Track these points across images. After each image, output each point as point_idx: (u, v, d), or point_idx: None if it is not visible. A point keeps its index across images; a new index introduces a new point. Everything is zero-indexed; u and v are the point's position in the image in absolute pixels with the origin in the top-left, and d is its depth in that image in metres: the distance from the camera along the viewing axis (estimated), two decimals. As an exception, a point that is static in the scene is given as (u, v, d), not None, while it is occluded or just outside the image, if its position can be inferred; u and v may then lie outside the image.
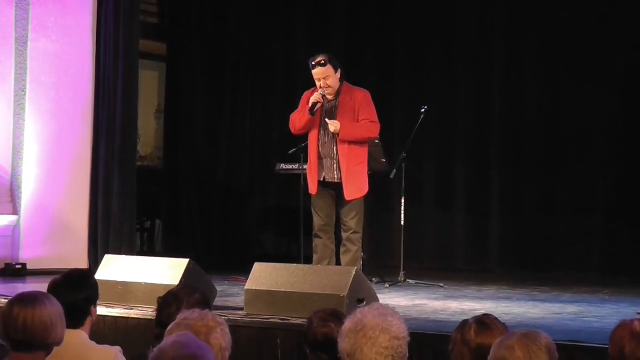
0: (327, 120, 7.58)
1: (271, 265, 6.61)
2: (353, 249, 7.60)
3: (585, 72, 9.80)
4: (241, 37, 11.44)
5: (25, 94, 9.38)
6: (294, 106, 7.84)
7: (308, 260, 8.06)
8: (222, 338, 3.04)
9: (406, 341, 3.11)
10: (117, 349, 4.04)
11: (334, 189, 7.68)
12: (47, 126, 9.48)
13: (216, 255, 10.84)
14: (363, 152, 7.72)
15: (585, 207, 9.80)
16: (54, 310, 3.53)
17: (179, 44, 11.59)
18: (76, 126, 9.63)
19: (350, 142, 7.57)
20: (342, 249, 7.65)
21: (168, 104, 11.73)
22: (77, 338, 4.00)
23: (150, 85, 11.96)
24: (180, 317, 3.13)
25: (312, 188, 7.73)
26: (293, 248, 10.59)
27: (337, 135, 7.54)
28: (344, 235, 7.65)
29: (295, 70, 10.82)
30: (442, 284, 8.56)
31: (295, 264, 6.97)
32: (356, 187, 7.61)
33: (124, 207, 9.65)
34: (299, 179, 8.17)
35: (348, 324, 3.12)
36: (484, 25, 10.37)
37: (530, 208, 10.06)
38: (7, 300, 3.68)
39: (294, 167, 9.03)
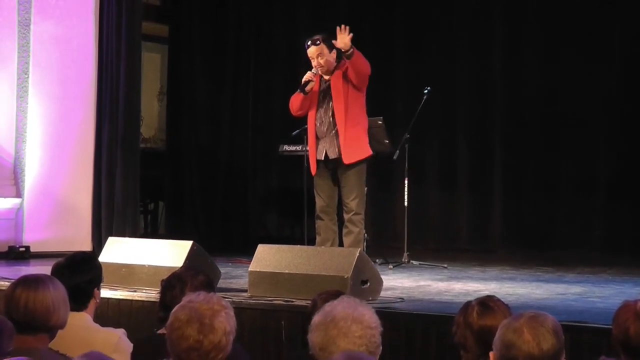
0: (335, 44, 7.38)
1: (275, 247, 6.61)
2: (355, 231, 7.56)
3: (585, 50, 9.78)
4: (243, 17, 11.43)
5: (28, 77, 9.38)
6: (296, 87, 7.82)
7: (311, 242, 8.05)
8: (227, 321, 3.04)
9: (379, 331, 3.01)
10: (121, 331, 4.05)
11: (332, 168, 7.61)
12: (50, 109, 9.47)
13: (219, 237, 10.85)
14: (358, 116, 7.60)
15: (587, 186, 9.80)
16: (57, 293, 3.53)
17: (181, 25, 11.58)
18: (79, 108, 9.63)
19: (346, 109, 7.48)
20: (344, 231, 7.62)
21: (170, 86, 11.74)
22: (81, 320, 4.01)
23: (152, 67, 11.95)
24: (185, 299, 3.12)
25: (313, 169, 7.71)
26: (296, 229, 10.60)
27: (348, 51, 7.33)
28: (345, 216, 7.61)
29: (296, 51, 10.78)
30: (445, 265, 8.57)
31: (298, 246, 6.96)
32: (354, 149, 7.49)
33: (127, 190, 9.65)
34: (302, 161, 8.16)
35: (317, 317, 3.03)
36: (483, 5, 10.34)
37: (533, 188, 10.05)
38: (10, 283, 3.69)
39: (297, 148, 9.03)
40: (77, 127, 9.60)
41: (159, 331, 3.96)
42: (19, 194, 9.37)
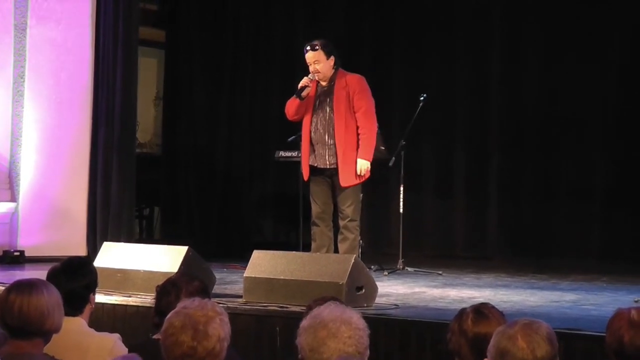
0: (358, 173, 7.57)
1: (270, 253, 6.61)
2: (350, 237, 7.60)
3: (584, 57, 9.80)
4: (240, 23, 11.43)
5: (24, 81, 9.37)
6: (293, 92, 7.83)
7: (307, 248, 8.06)
8: (221, 328, 3.04)
9: (367, 333, 3.07)
10: (116, 336, 4.05)
11: (329, 176, 7.67)
12: (45, 113, 9.47)
13: (215, 242, 10.85)
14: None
15: (584, 193, 9.81)
16: (51, 298, 3.53)
17: (178, 30, 11.58)
18: (75, 113, 9.62)
19: (348, 125, 7.53)
20: (339, 237, 7.66)
21: (167, 91, 11.74)
22: (76, 325, 4.01)
23: (149, 72, 11.94)
24: (179, 305, 3.13)
25: (305, 174, 7.73)
26: (292, 235, 10.58)
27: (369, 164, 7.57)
28: (341, 223, 7.66)
29: (294, 56, 10.81)
30: (440, 272, 8.57)
31: (294, 252, 6.98)
32: (352, 172, 7.58)
33: (123, 194, 9.64)
34: (298, 167, 8.18)
35: (305, 321, 3.08)
36: (482, 9, 10.35)
37: (529, 194, 10.06)
38: (4, 287, 3.69)
39: (293, 154, 9.02)
40: (73, 131, 9.60)
41: (154, 336, 3.96)
42: (14, 198, 9.36)
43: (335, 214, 7.78)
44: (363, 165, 7.54)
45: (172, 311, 3.09)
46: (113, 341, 3.98)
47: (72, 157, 9.58)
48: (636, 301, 6.54)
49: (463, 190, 10.42)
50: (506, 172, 10.18)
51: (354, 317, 3.07)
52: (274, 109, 11.04)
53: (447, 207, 10.48)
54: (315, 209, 7.72)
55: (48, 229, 9.40)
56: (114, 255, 7.03)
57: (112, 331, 4.25)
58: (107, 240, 8.13)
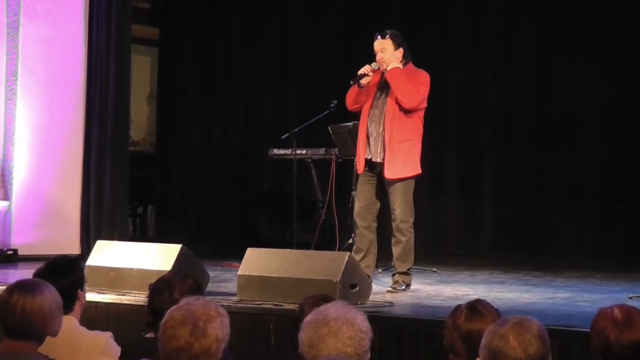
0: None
1: (264, 251, 6.60)
2: (403, 240, 7.19)
3: (578, 53, 9.82)
4: (233, 20, 11.42)
5: (16, 79, 9.35)
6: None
7: (301, 246, 8.05)
8: (220, 329, 3.04)
9: (369, 336, 3.03)
10: (108, 335, 4.04)
11: (378, 172, 7.22)
12: (38, 111, 9.44)
13: (209, 240, 10.83)
14: (412, 128, 7.28)
15: (577, 190, 9.83)
16: (54, 299, 3.51)
17: (171, 28, 11.56)
18: (68, 111, 9.60)
19: (398, 115, 7.12)
20: (392, 240, 7.27)
21: (160, 89, 11.72)
22: (67, 324, 3.98)
23: (142, 70, 11.93)
24: (183, 301, 3.12)
25: (359, 167, 7.31)
26: (286, 233, 10.58)
27: (385, 70, 7.09)
28: (393, 224, 7.22)
29: (287, 53, 10.82)
30: (434, 269, 8.57)
31: (288, 249, 6.95)
32: (400, 165, 7.13)
33: (116, 193, 9.63)
34: (292, 164, 8.16)
35: (309, 317, 3.06)
36: (476, 7, 10.35)
37: (523, 191, 10.07)
38: (5, 287, 3.65)
39: (287, 152, 9.02)
40: (66, 129, 9.57)
41: (147, 335, 3.95)
42: (7, 197, 9.33)
43: (379, 216, 7.40)
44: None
45: (175, 305, 3.09)
46: (105, 339, 3.97)
47: (65, 156, 9.55)
48: (630, 298, 6.55)
49: (457, 187, 10.43)
50: (500, 169, 10.19)
51: (359, 318, 3.04)
52: (268, 107, 11.05)
53: (440, 204, 10.47)
54: (356, 205, 7.33)
55: (41, 228, 9.38)
56: (108, 254, 7.02)
57: (105, 330, 4.24)
58: (100, 239, 8.12)
